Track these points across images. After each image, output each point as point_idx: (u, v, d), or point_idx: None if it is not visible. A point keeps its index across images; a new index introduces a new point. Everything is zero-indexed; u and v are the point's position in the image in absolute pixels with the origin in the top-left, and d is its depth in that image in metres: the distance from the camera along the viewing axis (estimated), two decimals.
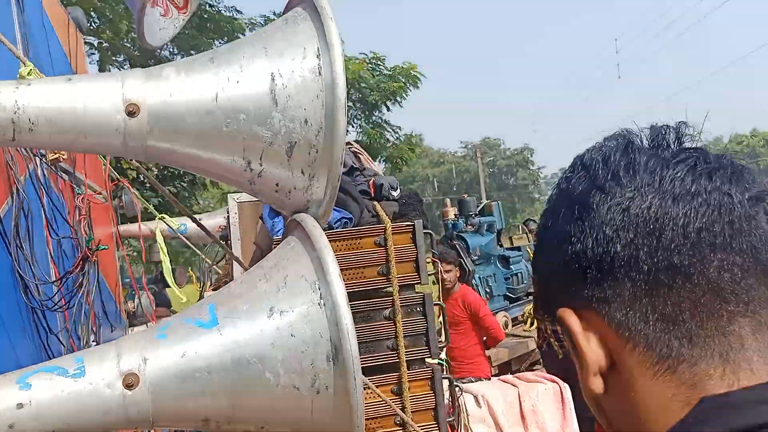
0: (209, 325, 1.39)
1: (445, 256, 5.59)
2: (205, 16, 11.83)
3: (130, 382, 1.32)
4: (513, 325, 7.03)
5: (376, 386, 2.13)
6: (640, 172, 0.65)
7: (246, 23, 12.42)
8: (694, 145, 0.69)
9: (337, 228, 2.18)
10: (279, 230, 2.19)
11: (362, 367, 2.14)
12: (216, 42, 12.15)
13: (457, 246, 6.79)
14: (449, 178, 56.95)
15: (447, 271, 5.57)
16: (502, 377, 3.18)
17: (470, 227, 7.08)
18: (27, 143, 1.70)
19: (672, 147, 0.69)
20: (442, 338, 2.42)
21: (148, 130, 1.42)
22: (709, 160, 0.67)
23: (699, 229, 0.62)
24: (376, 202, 2.36)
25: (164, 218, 3.85)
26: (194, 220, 2.27)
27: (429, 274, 2.35)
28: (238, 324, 1.38)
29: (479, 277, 6.99)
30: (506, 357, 6.19)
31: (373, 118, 13.95)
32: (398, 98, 13.14)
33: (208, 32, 11.90)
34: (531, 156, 61.14)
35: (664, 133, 0.70)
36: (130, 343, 1.39)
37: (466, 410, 2.76)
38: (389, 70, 13.52)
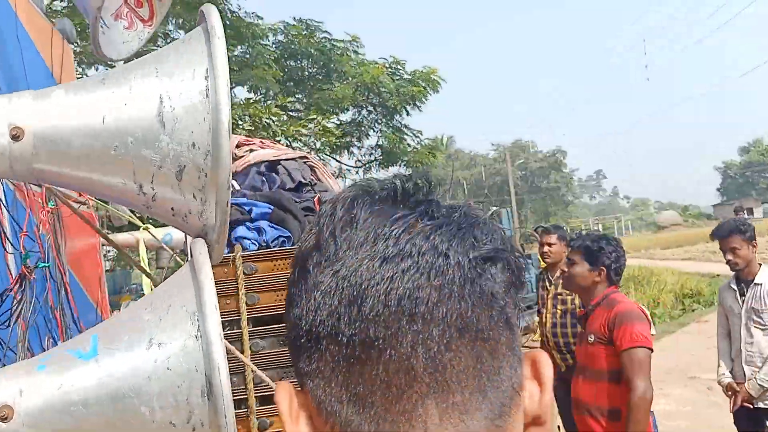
0: (88, 357, 1.34)
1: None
2: (227, 22, 11.91)
3: (4, 414, 1.29)
4: (522, 335, 6.89)
5: None
6: (357, 230, 0.58)
7: (266, 29, 12.48)
8: (433, 197, 0.62)
9: (274, 247, 2.12)
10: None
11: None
12: (238, 48, 12.23)
13: None
14: (480, 181, 56.63)
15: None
16: None
17: None
18: None
19: (404, 200, 0.61)
20: None
21: (33, 153, 1.39)
22: (436, 215, 0.59)
23: (401, 297, 0.54)
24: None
25: (148, 228, 3.85)
26: (150, 233, 2.24)
27: None
28: (116, 355, 1.34)
29: None
30: None
31: (393, 122, 13.90)
32: (417, 103, 13.07)
33: (228, 39, 11.97)
34: (563, 159, 60.45)
35: (401, 183, 0.62)
36: (10, 373, 1.36)
37: None
38: (409, 75, 13.45)
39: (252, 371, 1.99)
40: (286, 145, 8.89)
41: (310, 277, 0.59)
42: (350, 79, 12.58)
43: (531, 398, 0.64)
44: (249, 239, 2.10)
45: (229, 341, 2.07)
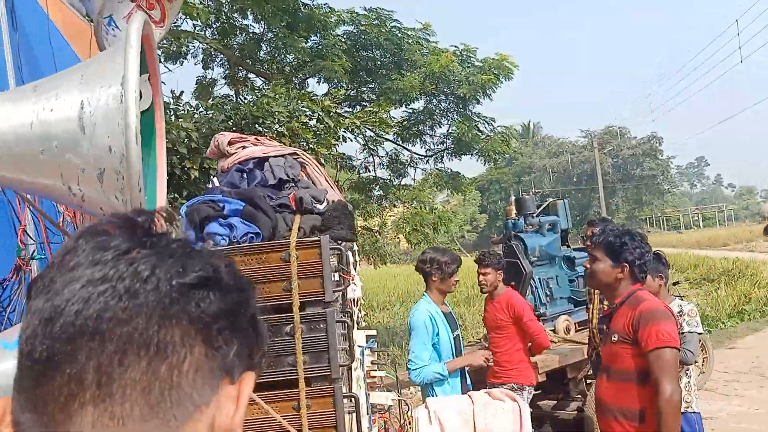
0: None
1: (482, 259, 5.44)
2: (299, 14, 12.10)
3: None
4: (577, 330, 6.71)
5: (278, 402, 2.13)
6: (76, 257, 0.64)
7: (337, 21, 12.60)
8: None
9: (243, 242, 2.18)
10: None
11: (263, 382, 2.14)
12: (311, 38, 12.41)
13: (514, 246, 6.56)
14: (568, 169, 55.02)
15: (484, 275, 5.42)
16: (471, 392, 3.04)
17: (530, 227, 6.82)
18: None
19: (133, 232, 0.68)
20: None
21: None
22: (155, 246, 0.66)
23: (88, 317, 0.60)
24: (297, 215, 2.34)
25: None
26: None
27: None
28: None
29: (539, 279, 6.71)
30: (556, 364, 5.92)
31: (465, 111, 13.74)
32: (488, 91, 12.85)
33: (299, 30, 12.17)
34: (659, 145, 57.73)
35: (135, 218, 0.70)
36: None
37: (418, 427, 2.68)
38: (480, 62, 13.24)
39: None
40: (342, 138, 8.98)
41: (30, 302, 0.65)
42: (420, 68, 12.54)
43: (226, 415, 0.68)
44: (220, 235, 2.17)
45: None
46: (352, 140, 11.57)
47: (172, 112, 6.32)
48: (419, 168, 14.33)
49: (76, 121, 1.48)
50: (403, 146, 14.08)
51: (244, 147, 2.60)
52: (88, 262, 0.64)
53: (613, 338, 3.46)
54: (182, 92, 6.62)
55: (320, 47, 12.31)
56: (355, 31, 12.59)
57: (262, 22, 12.29)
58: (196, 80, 13.29)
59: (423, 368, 4.13)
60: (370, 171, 14.58)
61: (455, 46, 13.38)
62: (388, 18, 12.84)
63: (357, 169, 14.41)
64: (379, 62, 13.27)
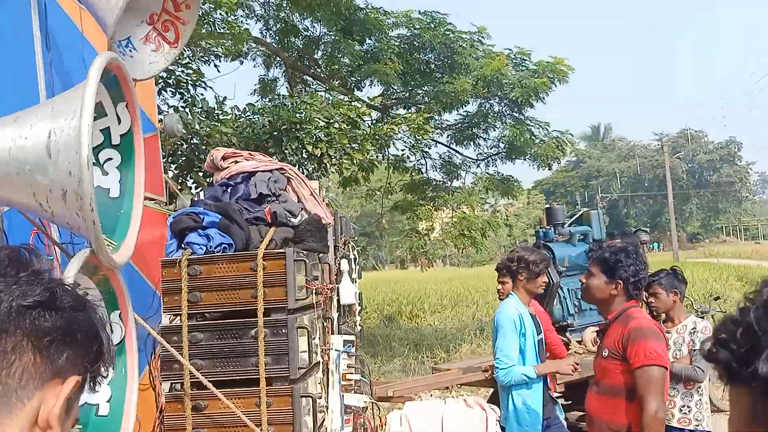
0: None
1: (501, 267, 5.51)
2: (354, 18, 12.34)
3: None
4: None
5: (242, 398, 2.35)
6: None
7: (393, 23, 12.78)
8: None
9: (217, 252, 2.41)
10: (170, 252, 2.47)
11: (229, 380, 2.36)
12: (366, 41, 12.65)
13: None
14: (639, 174, 53.49)
15: (502, 283, 5.49)
16: (447, 399, 3.18)
17: (560, 237, 6.82)
18: None
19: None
20: None
21: None
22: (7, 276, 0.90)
23: None
24: (272, 228, 2.55)
25: None
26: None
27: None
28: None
29: (567, 290, 6.71)
30: (576, 375, 5.92)
31: (521, 114, 13.71)
32: (541, 95, 12.78)
33: (352, 35, 12.42)
34: (738, 150, 55.38)
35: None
36: None
37: (389, 427, 2.84)
38: (535, 65, 13.18)
39: (187, 360, 2.30)
40: (379, 143, 9.13)
41: None
42: (472, 72, 12.59)
43: (47, 407, 0.90)
44: (198, 244, 2.40)
45: (171, 332, 2.39)
46: (400, 143, 11.69)
47: (214, 117, 6.67)
48: (470, 172, 14.37)
49: (44, 147, 1.72)
50: (454, 149, 14.16)
51: (236, 161, 2.83)
52: None
53: (603, 353, 3.52)
54: (225, 98, 6.98)
55: (374, 50, 12.52)
56: (408, 34, 12.75)
57: (319, 25, 12.60)
58: (259, 79, 13.74)
59: (511, 369, 4.02)
60: (423, 173, 14.74)
61: (509, 50, 13.37)
62: (442, 22, 12.95)
63: (410, 171, 14.57)
64: (432, 65, 13.39)
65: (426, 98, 13.14)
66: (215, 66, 7.05)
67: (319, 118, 6.70)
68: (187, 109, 6.52)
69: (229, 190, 2.66)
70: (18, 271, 0.96)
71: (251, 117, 7.16)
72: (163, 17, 3.24)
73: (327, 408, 2.77)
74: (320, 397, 2.71)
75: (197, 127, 5.87)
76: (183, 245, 2.42)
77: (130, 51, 3.19)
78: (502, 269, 4.85)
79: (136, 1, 3.14)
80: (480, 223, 13.01)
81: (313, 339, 2.44)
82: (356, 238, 3.72)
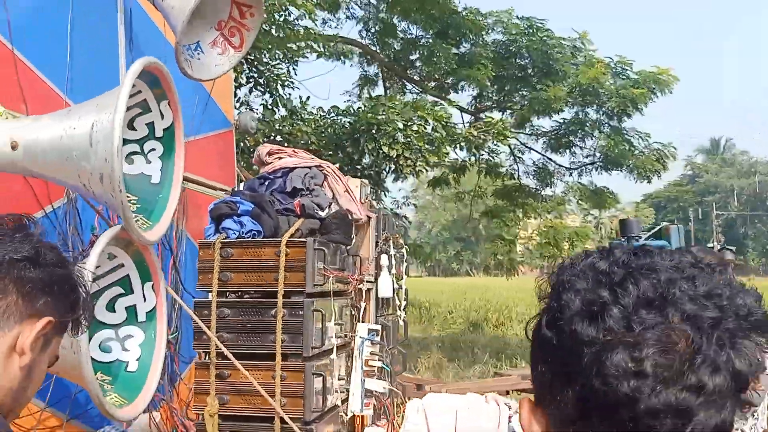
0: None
1: None
2: (448, 21, 12.46)
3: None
4: None
5: (260, 370, 2.60)
6: None
7: (491, 25, 12.79)
8: None
9: (247, 237, 2.67)
10: (207, 236, 2.75)
11: (251, 352, 2.61)
12: (462, 45, 12.76)
13: None
14: (760, 192, 50.03)
15: None
16: (468, 393, 3.27)
17: None
18: None
19: None
20: None
21: (21, 158, 2.11)
22: None
23: None
24: (300, 219, 2.78)
25: None
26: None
27: None
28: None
29: None
30: None
31: (615, 124, 13.35)
32: (639, 106, 12.39)
33: (446, 37, 12.53)
34: None
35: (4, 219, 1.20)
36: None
37: (407, 415, 2.99)
38: (637, 74, 12.80)
39: (214, 332, 2.57)
40: (459, 147, 9.19)
41: None
42: (567, 78, 12.41)
43: (24, 337, 1.15)
44: (232, 230, 2.67)
45: (203, 307, 2.68)
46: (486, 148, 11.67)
47: (298, 116, 7.03)
48: (562, 180, 14.13)
49: (88, 137, 2.03)
50: (547, 156, 13.97)
51: (280, 158, 3.09)
52: None
53: None
54: (308, 98, 7.34)
55: (469, 54, 12.58)
56: (504, 39, 12.73)
57: (416, 27, 12.80)
58: (359, 76, 14.13)
59: None
60: (515, 179, 14.64)
61: (609, 58, 13.05)
62: (540, 28, 12.83)
63: (502, 176, 14.50)
64: (528, 71, 13.29)
65: (520, 103, 13.07)
66: (293, 69, 7.43)
67: (397, 120, 6.92)
68: (273, 108, 6.92)
69: (266, 183, 2.92)
70: (16, 233, 1.22)
71: (334, 118, 7.49)
72: (229, 24, 3.56)
73: (348, 390, 2.97)
74: (342, 379, 2.92)
75: (277, 126, 6.24)
76: (219, 230, 2.70)
77: (198, 54, 3.52)
78: None
79: (206, 9, 3.47)
80: (568, 232, 12.78)
81: (329, 323, 2.65)
82: (397, 236, 3.90)
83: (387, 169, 7.06)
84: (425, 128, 7.18)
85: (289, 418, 2.49)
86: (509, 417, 3.52)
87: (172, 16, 3.23)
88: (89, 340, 2.29)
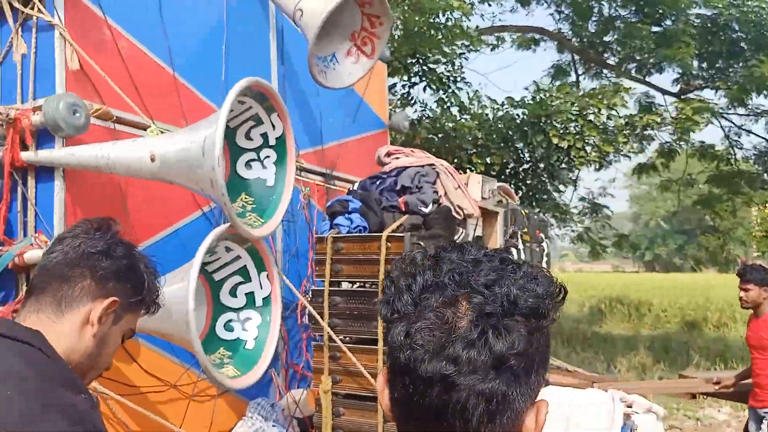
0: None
1: (743, 273, 5.06)
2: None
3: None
4: None
5: (367, 353, 2.85)
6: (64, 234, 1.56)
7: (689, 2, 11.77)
8: None
9: (354, 232, 2.91)
10: (323, 231, 3.02)
11: (359, 337, 2.87)
12: (664, 23, 11.91)
13: None
14: None
15: (745, 290, 5.03)
16: (591, 389, 3.18)
17: None
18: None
19: (85, 228, 1.56)
20: None
21: (158, 168, 2.56)
22: (82, 233, 1.53)
23: (46, 263, 1.51)
24: (405, 215, 2.96)
25: None
26: None
27: None
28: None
29: None
30: None
31: None
32: None
33: (645, 15, 11.76)
34: None
35: (91, 223, 1.58)
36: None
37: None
38: None
39: (327, 318, 2.87)
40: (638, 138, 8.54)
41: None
42: None
43: (94, 312, 1.49)
44: (343, 226, 2.93)
45: (318, 295, 2.98)
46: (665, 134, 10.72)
47: (468, 111, 7.17)
48: None
49: (200, 148, 2.41)
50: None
51: (397, 158, 3.31)
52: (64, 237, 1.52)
53: None
54: (476, 92, 7.41)
55: (669, 32, 11.70)
56: (709, 14, 11.63)
57: (613, 6, 12.18)
58: (552, 65, 13.82)
59: None
60: (732, 164, 13.30)
61: None
62: None
63: (717, 160, 13.25)
64: (738, 45, 12.01)
65: (732, 80, 11.85)
66: (459, 66, 7.52)
67: (570, 111, 6.76)
68: (442, 106, 7.13)
69: (377, 182, 3.15)
70: (96, 232, 1.57)
71: (509, 109, 7.50)
72: (362, 34, 3.84)
73: None
74: None
75: (444, 123, 6.45)
76: (332, 225, 2.99)
77: (334, 64, 3.86)
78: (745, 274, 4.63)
79: (341, 21, 3.79)
80: None
81: None
82: (537, 232, 3.91)
83: (559, 160, 6.93)
84: (600, 117, 6.92)
85: None
86: (628, 416, 3.38)
87: (306, 32, 3.59)
88: (215, 322, 2.71)
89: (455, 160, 6.86)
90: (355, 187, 3.28)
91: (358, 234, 2.92)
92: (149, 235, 3.04)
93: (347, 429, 2.76)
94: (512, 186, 8.15)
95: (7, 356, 1.31)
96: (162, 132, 2.97)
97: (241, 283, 2.70)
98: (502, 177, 7.70)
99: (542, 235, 4.22)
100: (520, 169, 7.46)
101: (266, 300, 2.71)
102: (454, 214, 3.06)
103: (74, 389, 1.36)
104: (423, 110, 7.75)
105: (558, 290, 0.85)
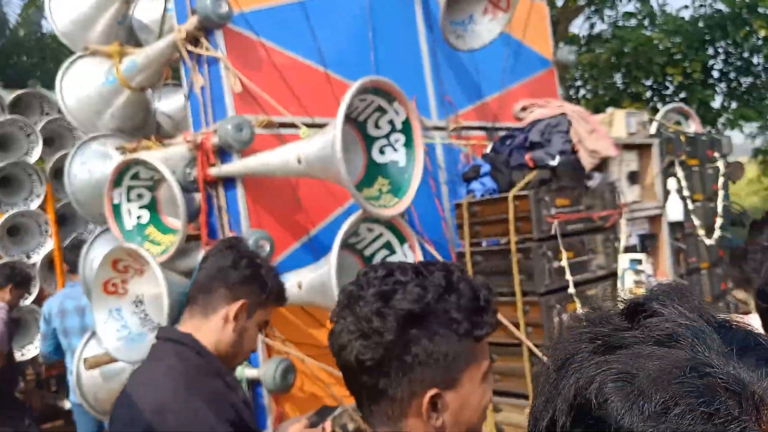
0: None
1: None
2: None
3: (299, 284, 3.09)
4: None
5: (510, 305, 3.11)
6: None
7: None
8: None
9: (485, 196, 3.12)
10: (461, 196, 3.23)
11: (500, 291, 3.13)
12: None
13: None
14: None
15: None
16: None
17: None
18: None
19: (222, 246, 2.08)
20: None
21: (304, 168, 3.03)
22: (218, 250, 2.09)
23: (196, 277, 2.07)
24: (533, 171, 3.07)
25: None
26: None
27: None
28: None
29: None
30: None
31: None
32: None
33: None
34: None
35: (228, 240, 2.09)
36: (299, 272, 3.13)
37: None
38: None
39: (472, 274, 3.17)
40: None
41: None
42: None
43: (231, 311, 2.03)
44: (476, 190, 3.14)
45: (461, 256, 3.28)
46: None
47: (659, 22, 6.68)
48: None
49: (330, 147, 2.83)
50: None
51: (532, 111, 3.41)
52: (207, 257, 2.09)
53: None
54: (665, 2, 6.74)
55: None
56: None
57: None
58: None
59: None
60: None
61: None
62: None
63: None
64: None
65: None
66: None
67: None
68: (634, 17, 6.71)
69: (508, 141, 3.29)
70: (225, 249, 2.07)
71: (702, 6, 6.80)
72: None
73: None
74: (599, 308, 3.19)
75: (626, 38, 6.10)
76: (468, 191, 3.24)
77: (471, 26, 3.99)
78: None
79: None
80: None
81: (559, 262, 2.96)
82: (683, 157, 3.72)
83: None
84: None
85: (533, 344, 2.95)
86: None
87: (435, 2, 3.78)
88: None
89: (647, 76, 6.46)
90: (488, 150, 3.46)
91: (490, 197, 3.14)
92: (321, 218, 3.57)
93: (499, 372, 3.06)
94: (724, 90, 7.42)
95: (167, 354, 1.87)
96: (321, 127, 3.44)
97: (388, 255, 3.11)
98: (709, 82, 7.04)
99: (717, 154, 3.97)
100: (730, 69, 6.74)
101: None
102: (587, 160, 3.11)
103: (215, 376, 1.89)
104: (610, 26, 7.33)
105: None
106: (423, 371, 1.17)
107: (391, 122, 3.10)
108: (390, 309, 1.19)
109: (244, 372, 3.23)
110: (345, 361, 1.22)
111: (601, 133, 3.21)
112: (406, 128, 3.09)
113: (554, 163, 3.06)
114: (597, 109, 7.34)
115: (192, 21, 3.39)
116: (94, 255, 3.79)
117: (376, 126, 3.12)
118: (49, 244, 6.99)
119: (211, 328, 1.99)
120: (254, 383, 3.29)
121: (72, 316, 4.56)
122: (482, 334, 1.24)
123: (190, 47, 3.52)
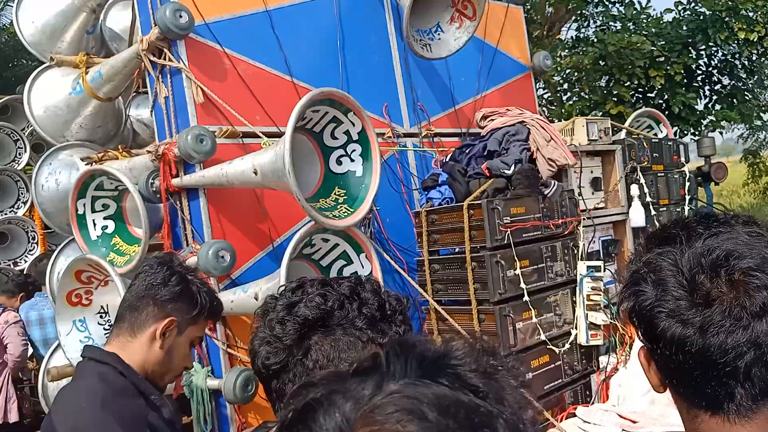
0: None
1: None
2: None
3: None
4: None
5: (466, 314, 3.11)
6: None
7: None
8: None
9: (443, 204, 3.13)
10: (421, 204, 3.24)
11: (456, 299, 3.14)
12: None
13: None
14: None
15: None
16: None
17: None
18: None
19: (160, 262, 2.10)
20: None
21: (260, 179, 3.05)
22: (156, 266, 2.07)
23: (129, 294, 2.09)
24: (489, 180, 3.08)
25: None
26: None
27: None
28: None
29: None
30: None
31: None
32: None
33: None
34: None
35: (169, 259, 2.11)
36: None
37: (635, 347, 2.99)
38: None
39: (430, 284, 3.19)
40: None
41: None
42: None
43: (158, 330, 2.05)
44: (435, 198, 3.16)
45: (420, 264, 3.29)
46: None
47: (641, 23, 6.67)
48: None
49: (282, 159, 2.84)
50: None
51: (492, 120, 3.42)
52: (138, 274, 2.10)
53: None
54: (648, 1, 6.72)
55: None
56: None
57: None
58: None
59: None
60: None
61: None
62: None
63: None
64: None
65: None
66: None
67: (756, 8, 5.92)
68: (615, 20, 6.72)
69: (467, 150, 3.30)
70: (158, 266, 2.09)
71: (685, 8, 6.78)
72: None
73: (575, 323, 3.22)
74: (560, 315, 3.20)
75: (608, 41, 6.10)
76: (427, 199, 3.25)
77: (439, 34, 4.00)
78: None
79: None
80: None
81: (515, 270, 2.97)
82: (645, 162, 3.73)
83: (750, 58, 6.14)
84: None
85: None
86: None
87: (401, 6, 3.79)
88: None
89: (630, 79, 6.45)
90: (447, 158, 3.47)
91: (447, 205, 3.15)
92: (286, 228, 3.58)
93: None
94: (707, 92, 7.40)
95: (89, 374, 1.88)
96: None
97: (345, 265, 3.13)
98: (694, 84, 7.02)
99: (682, 159, 3.97)
100: (712, 71, 6.72)
101: (369, 275, 3.10)
102: (545, 168, 3.12)
103: (136, 396, 1.90)
104: (595, 30, 7.31)
105: None
106: None
107: (347, 133, 3.12)
108: (291, 317, 1.23)
109: (206, 383, 3.25)
110: (257, 367, 1.26)
111: (559, 142, 3.22)
112: (363, 138, 3.10)
113: (509, 172, 3.07)
114: (582, 113, 7.34)
115: (154, 32, 3.41)
116: (61, 266, 3.82)
117: (333, 137, 3.14)
118: (37, 252, 7.03)
119: (137, 347, 2.00)
120: (217, 393, 3.31)
121: (34, 327, 4.61)
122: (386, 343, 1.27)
123: (153, 58, 3.55)
